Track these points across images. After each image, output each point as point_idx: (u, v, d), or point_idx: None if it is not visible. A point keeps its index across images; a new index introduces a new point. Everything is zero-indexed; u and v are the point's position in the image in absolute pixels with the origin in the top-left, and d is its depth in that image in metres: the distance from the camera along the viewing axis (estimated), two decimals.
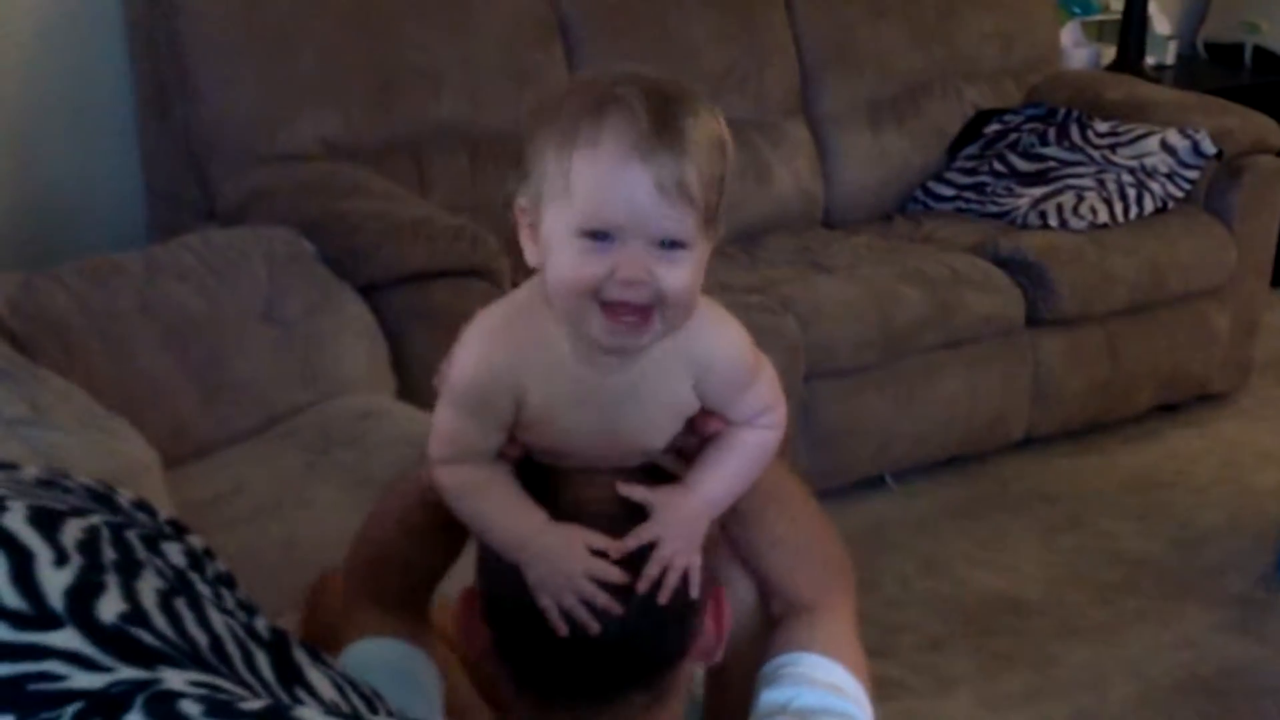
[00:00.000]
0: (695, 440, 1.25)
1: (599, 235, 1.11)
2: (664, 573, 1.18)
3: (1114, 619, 3.14)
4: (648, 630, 1.18)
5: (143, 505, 1.30)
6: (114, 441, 1.97)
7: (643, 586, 1.17)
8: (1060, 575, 3.30)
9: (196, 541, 1.28)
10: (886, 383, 3.51)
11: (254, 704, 0.89)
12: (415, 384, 2.79)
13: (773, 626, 1.37)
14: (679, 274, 1.12)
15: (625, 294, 1.12)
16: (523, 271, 1.18)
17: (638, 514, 1.18)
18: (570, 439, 1.21)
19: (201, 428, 2.53)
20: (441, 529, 1.29)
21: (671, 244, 1.12)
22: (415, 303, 2.81)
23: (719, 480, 1.23)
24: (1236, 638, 3.07)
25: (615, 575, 1.16)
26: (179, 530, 1.28)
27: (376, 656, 1.31)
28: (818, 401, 3.42)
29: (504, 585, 1.19)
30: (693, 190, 1.10)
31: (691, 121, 1.11)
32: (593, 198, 1.10)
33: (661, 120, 1.10)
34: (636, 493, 1.19)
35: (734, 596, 1.34)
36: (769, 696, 1.30)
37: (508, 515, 1.20)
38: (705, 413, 1.23)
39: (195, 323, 2.60)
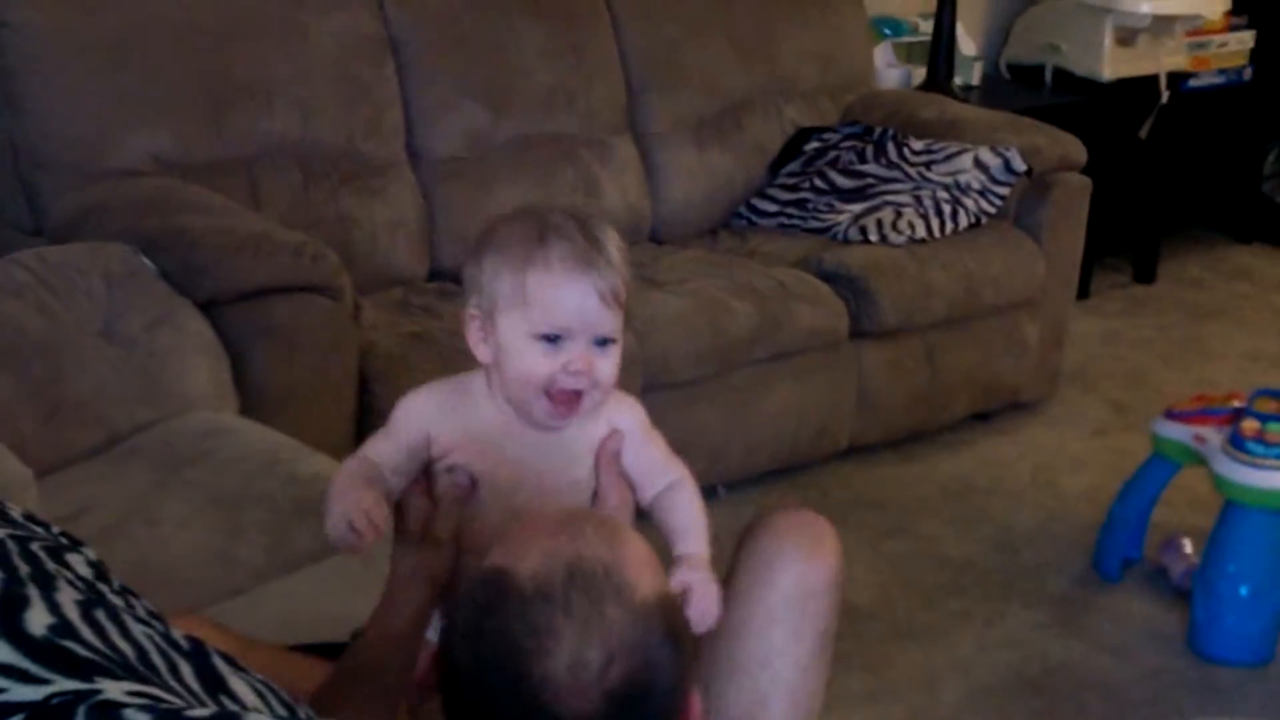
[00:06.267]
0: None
1: (552, 338, 1.42)
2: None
3: (942, 621, 3.24)
4: None
5: (34, 519, 1.28)
6: None
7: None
8: (889, 580, 3.40)
9: (91, 553, 1.27)
10: (719, 395, 3.57)
11: (201, 712, 0.90)
12: (258, 401, 2.77)
13: None
14: (609, 365, 1.46)
15: (570, 382, 1.43)
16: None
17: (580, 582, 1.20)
18: (497, 464, 1.48)
19: (41, 448, 2.46)
20: None
21: (604, 341, 1.44)
22: (256, 319, 2.79)
23: (695, 537, 1.52)
24: (1058, 636, 3.19)
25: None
26: (74, 542, 1.26)
27: None
28: (654, 414, 3.41)
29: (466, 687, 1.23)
30: (621, 296, 1.44)
31: (609, 238, 1.44)
32: (549, 307, 1.41)
33: (592, 239, 1.42)
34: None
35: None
36: None
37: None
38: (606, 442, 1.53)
39: (33, 341, 2.54)
